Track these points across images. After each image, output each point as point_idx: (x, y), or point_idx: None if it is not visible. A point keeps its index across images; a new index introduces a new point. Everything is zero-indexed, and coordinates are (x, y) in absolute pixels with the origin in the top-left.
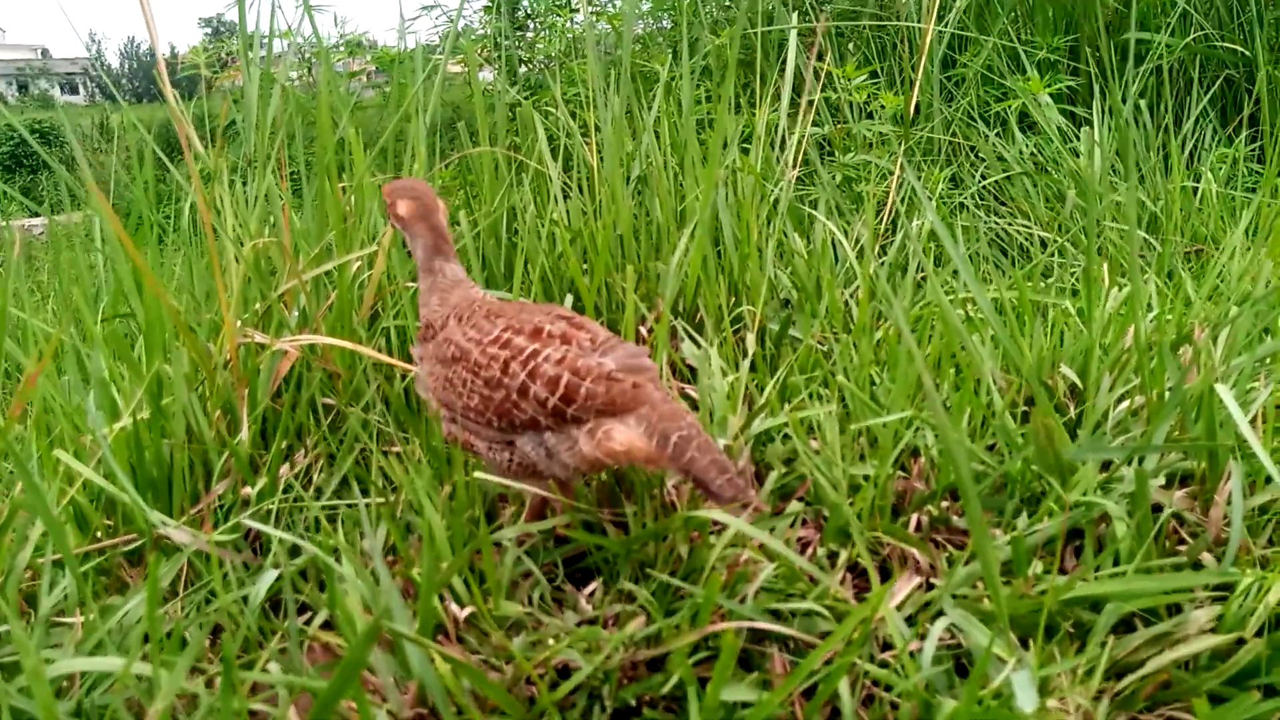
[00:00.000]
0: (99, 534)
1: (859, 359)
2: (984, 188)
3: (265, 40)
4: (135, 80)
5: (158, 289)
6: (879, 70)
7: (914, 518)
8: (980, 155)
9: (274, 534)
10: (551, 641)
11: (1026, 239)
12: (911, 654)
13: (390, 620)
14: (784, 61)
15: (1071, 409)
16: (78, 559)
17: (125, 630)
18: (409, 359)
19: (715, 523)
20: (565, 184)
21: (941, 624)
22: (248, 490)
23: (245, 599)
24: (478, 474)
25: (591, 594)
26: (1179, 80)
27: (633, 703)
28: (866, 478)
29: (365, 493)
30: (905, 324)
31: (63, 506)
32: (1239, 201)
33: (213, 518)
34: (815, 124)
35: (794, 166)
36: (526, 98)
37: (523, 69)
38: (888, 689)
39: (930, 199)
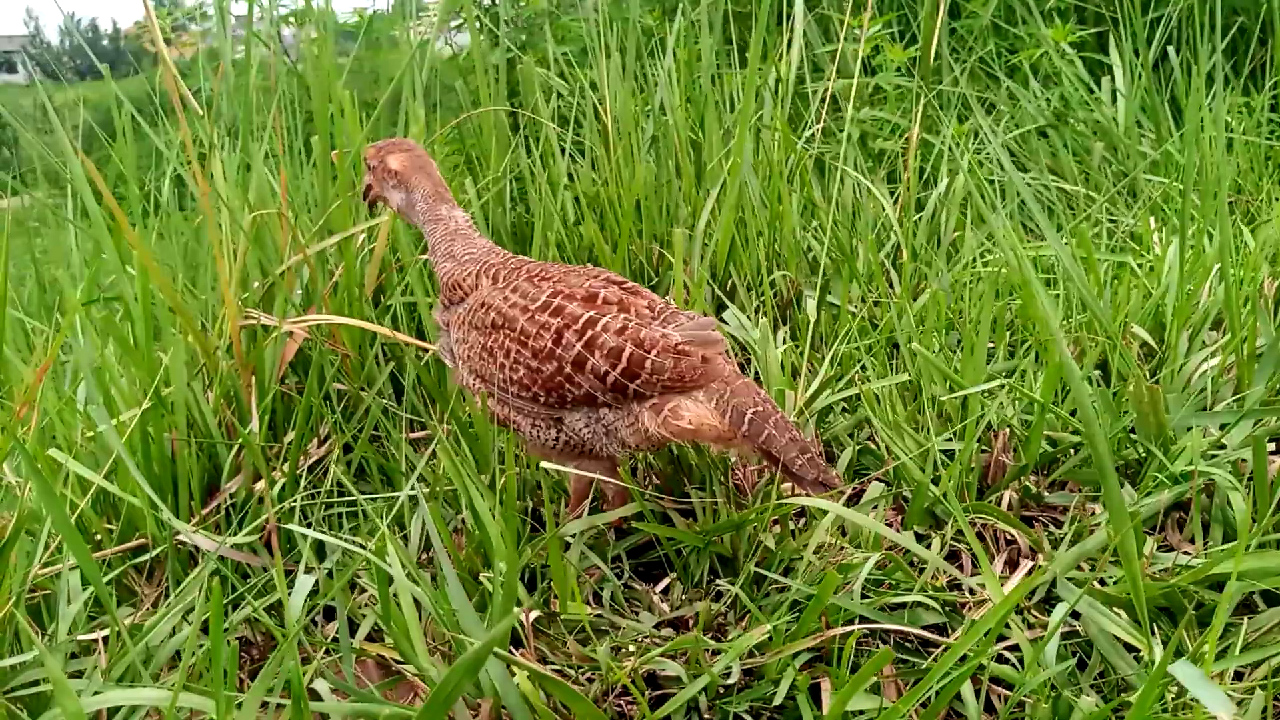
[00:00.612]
0: (99, 539)
1: (926, 325)
2: (1003, 143)
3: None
4: (77, 58)
5: (153, 267)
6: (892, 22)
7: (1005, 495)
8: (1000, 109)
9: (307, 534)
10: (632, 647)
11: (1056, 195)
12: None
13: (460, 633)
14: (788, 14)
15: (1145, 371)
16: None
17: (150, 651)
18: (423, 339)
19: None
20: (574, 146)
21: (1062, 611)
22: (260, 485)
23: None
24: (546, 465)
25: (665, 591)
26: (1188, 30)
27: (738, 713)
28: (948, 454)
29: (387, 482)
30: (989, 292)
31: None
32: (1266, 150)
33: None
34: (822, 77)
35: (819, 122)
36: (513, 57)
37: (505, 28)
38: (1008, 687)
39: (964, 155)
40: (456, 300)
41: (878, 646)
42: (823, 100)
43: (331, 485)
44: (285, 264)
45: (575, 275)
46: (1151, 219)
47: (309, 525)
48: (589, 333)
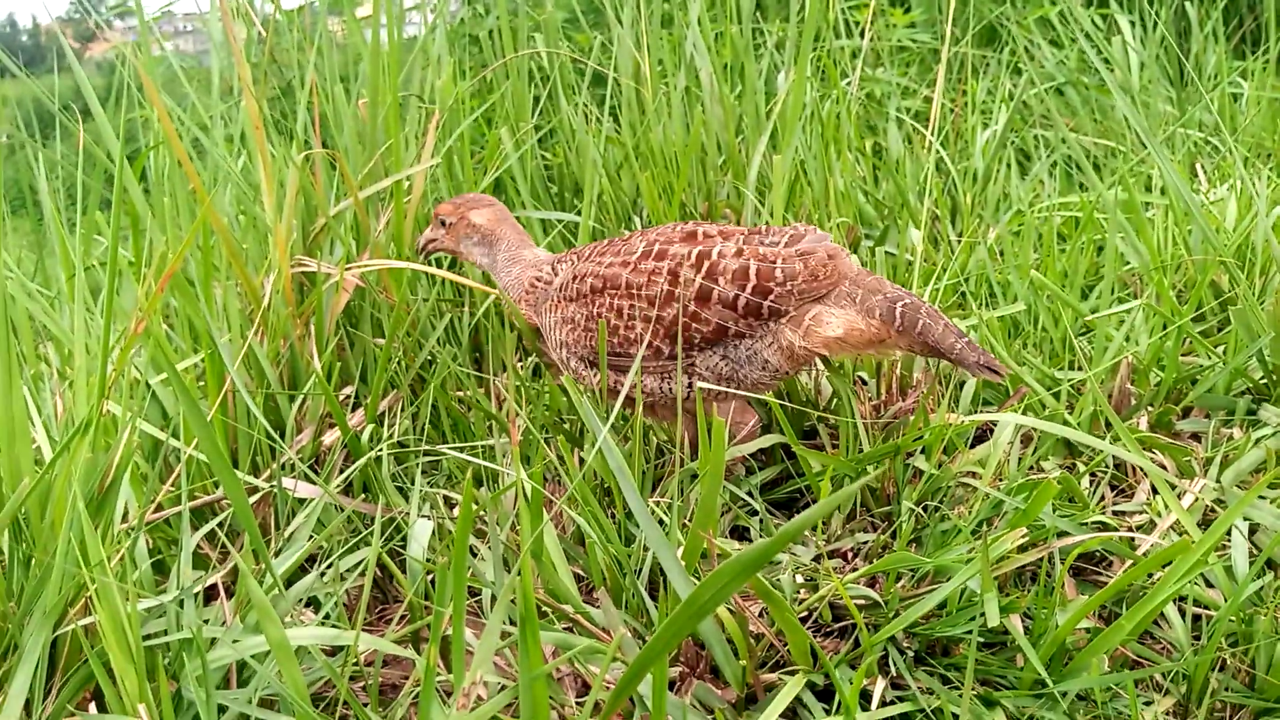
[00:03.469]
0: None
1: (1016, 263)
2: (1024, 100)
3: None
4: None
5: (213, 214)
6: None
7: (1138, 423)
8: (1019, 67)
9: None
10: (800, 579)
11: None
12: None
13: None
14: None
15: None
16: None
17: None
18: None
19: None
20: (596, 99)
21: (1240, 530)
22: (329, 438)
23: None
24: (702, 385)
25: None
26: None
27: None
28: (1074, 383)
29: (455, 430)
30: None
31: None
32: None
33: (284, 470)
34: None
35: (856, 71)
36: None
37: None
38: (1199, 605)
39: (1005, 109)
40: (542, 292)
41: (1051, 573)
42: (854, 55)
43: (402, 435)
44: (338, 207)
45: (658, 229)
46: (1199, 166)
47: (390, 476)
48: (706, 263)
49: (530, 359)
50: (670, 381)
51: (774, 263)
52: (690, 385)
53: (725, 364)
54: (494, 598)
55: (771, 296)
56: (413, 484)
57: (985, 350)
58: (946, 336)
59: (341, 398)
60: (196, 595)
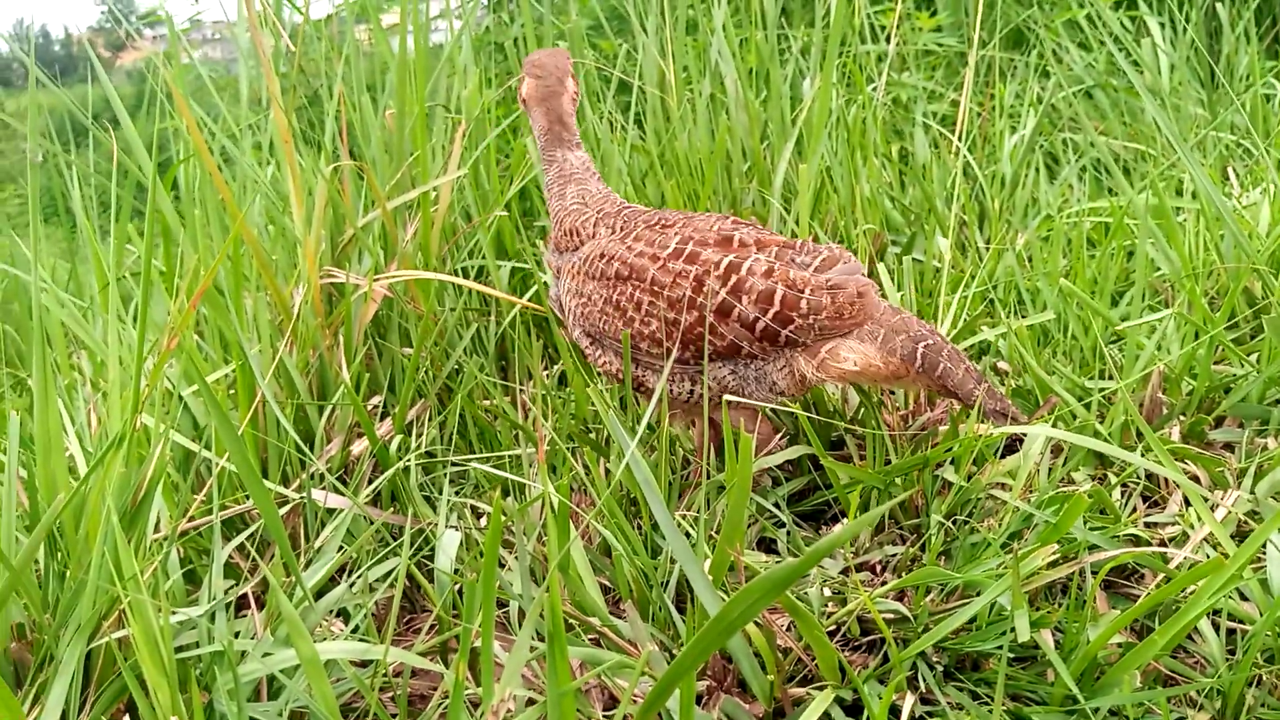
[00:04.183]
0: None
1: (1046, 270)
2: (1053, 103)
3: None
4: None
5: (245, 227)
6: None
7: (1170, 433)
8: (1047, 70)
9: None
10: (827, 591)
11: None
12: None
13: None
14: None
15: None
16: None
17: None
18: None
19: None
20: (622, 106)
21: (1276, 543)
22: (358, 448)
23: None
24: (729, 398)
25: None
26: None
27: (977, 652)
28: (1104, 393)
29: (482, 439)
30: (1109, 240)
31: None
32: None
33: (313, 481)
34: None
35: (882, 76)
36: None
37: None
38: (1233, 619)
39: (1034, 113)
40: (569, 248)
41: (1083, 587)
42: (880, 60)
43: (430, 445)
44: (365, 218)
45: (700, 219)
46: (1230, 170)
47: (418, 485)
48: (734, 277)
49: (557, 366)
50: (674, 383)
51: (802, 291)
52: (693, 392)
53: (733, 379)
54: (521, 610)
55: (791, 327)
56: (440, 494)
57: (1003, 396)
58: (966, 382)
59: (370, 407)
60: (228, 606)
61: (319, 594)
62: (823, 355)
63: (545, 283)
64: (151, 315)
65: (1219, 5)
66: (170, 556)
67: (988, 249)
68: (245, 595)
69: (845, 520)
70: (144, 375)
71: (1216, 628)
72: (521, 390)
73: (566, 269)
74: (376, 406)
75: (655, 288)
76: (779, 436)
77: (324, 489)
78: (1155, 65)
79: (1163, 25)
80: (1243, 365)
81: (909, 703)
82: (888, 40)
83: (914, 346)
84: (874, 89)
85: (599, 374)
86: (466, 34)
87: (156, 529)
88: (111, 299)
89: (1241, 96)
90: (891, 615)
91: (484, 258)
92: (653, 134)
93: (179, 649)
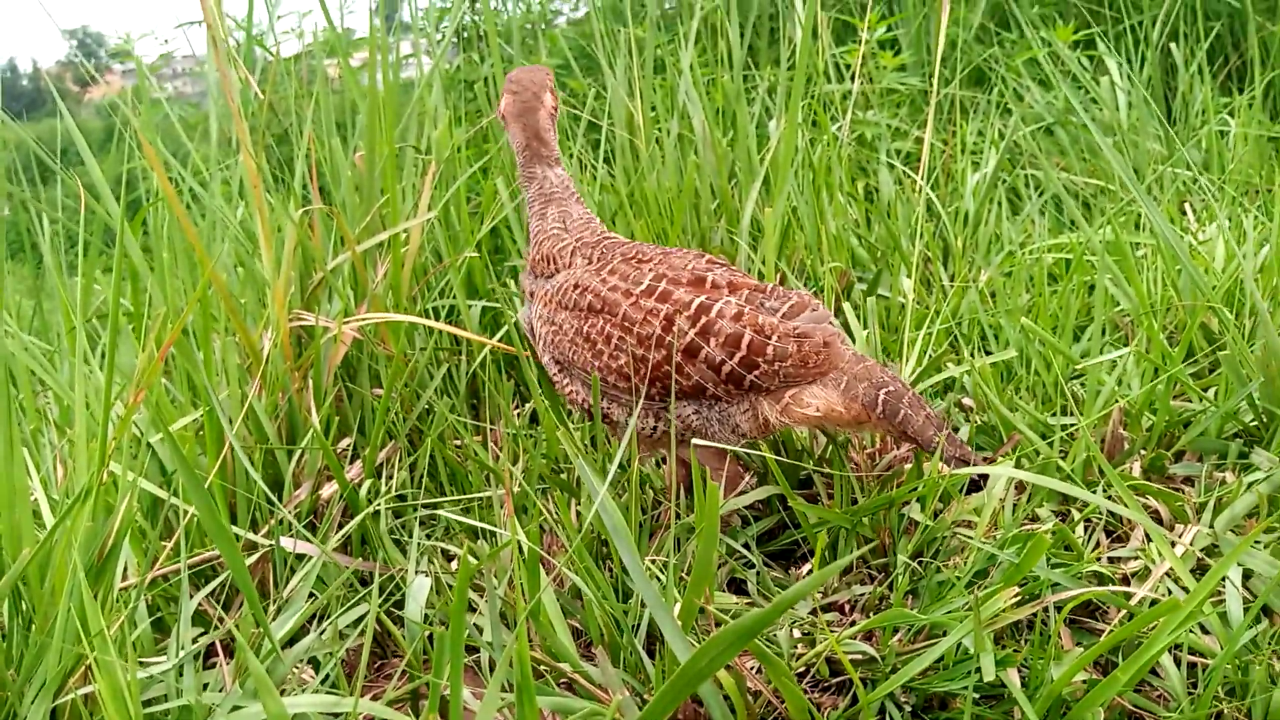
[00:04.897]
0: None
1: (1007, 307)
2: (1014, 140)
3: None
4: None
5: (214, 274)
6: (894, 26)
7: (1131, 468)
8: (1007, 108)
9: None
10: (797, 633)
11: (1068, 189)
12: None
13: (617, 629)
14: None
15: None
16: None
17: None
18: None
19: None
20: (591, 146)
21: (1234, 576)
22: (327, 492)
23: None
24: (697, 442)
25: (805, 576)
26: (1164, 34)
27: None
28: (1066, 429)
29: (453, 482)
30: (1069, 277)
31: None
32: (1265, 145)
33: (279, 529)
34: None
35: (846, 115)
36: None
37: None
38: (1194, 654)
39: (995, 152)
40: (544, 274)
41: (1047, 623)
42: (845, 98)
43: (400, 488)
44: (335, 261)
45: (675, 256)
46: (1187, 207)
47: (389, 530)
48: (703, 319)
49: (528, 405)
50: (639, 419)
51: (769, 338)
52: (655, 428)
53: (697, 418)
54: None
55: (756, 372)
56: (410, 537)
57: (962, 443)
58: (926, 429)
59: (340, 449)
60: (197, 656)
61: (290, 641)
62: (786, 400)
63: (516, 322)
64: (120, 360)
65: (1173, 45)
66: (139, 606)
67: (952, 285)
68: (216, 642)
69: (813, 560)
70: (111, 424)
71: (1178, 662)
72: (492, 429)
73: (540, 294)
74: (346, 449)
75: (626, 323)
76: (749, 475)
77: (292, 537)
78: (1114, 103)
79: (1120, 65)
80: (1201, 400)
81: None
82: (852, 79)
83: (875, 393)
84: (839, 128)
85: (563, 401)
86: (437, 75)
87: (125, 577)
88: (78, 342)
89: (1197, 133)
90: (859, 656)
91: (455, 297)
92: (622, 173)
93: (146, 703)
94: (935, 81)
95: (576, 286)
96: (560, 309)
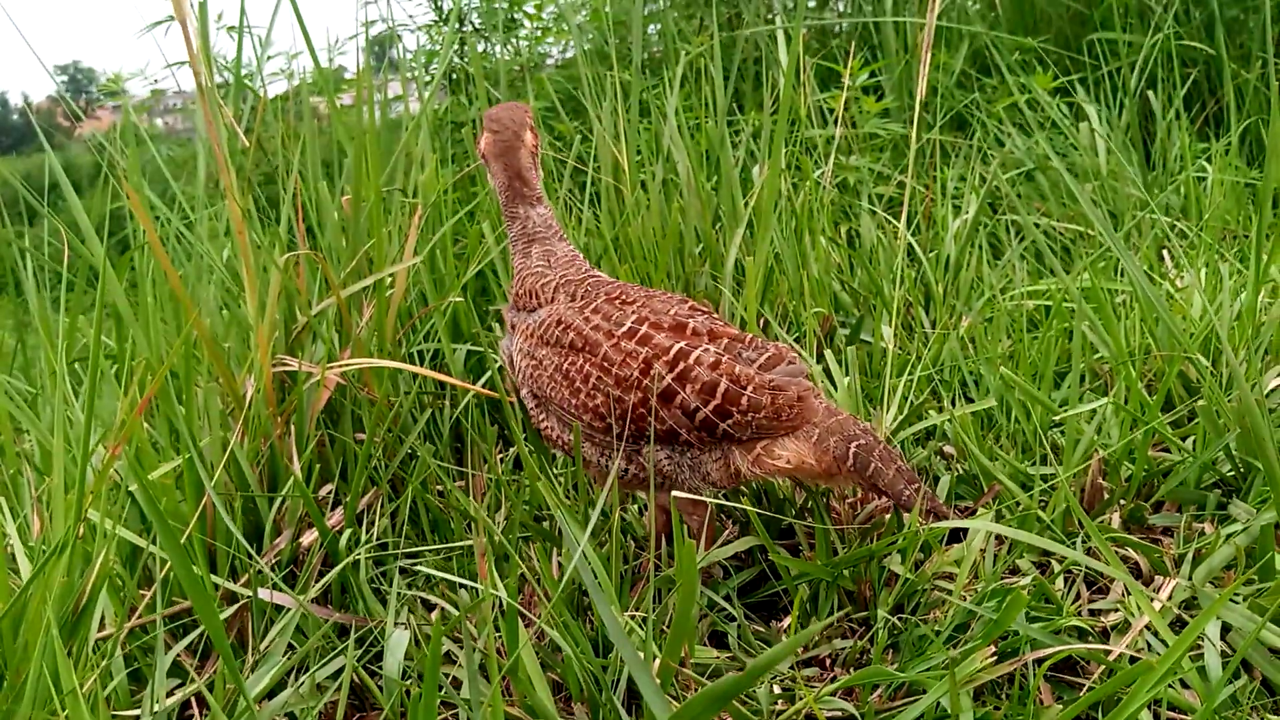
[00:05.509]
0: (133, 608)
1: (986, 355)
2: (995, 186)
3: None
4: None
5: (195, 317)
6: (877, 72)
7: (1111, 518)
8: (988, 154)
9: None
10: (776, 689)
11: (1051, 235)
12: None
13: (596, 685)
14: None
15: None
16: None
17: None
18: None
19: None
20: (577, 188)
21: (1213, 630)
22: (308, 539)
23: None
24: (676, 494)
25: (785, 629)
26: (1142, 81)
27: None
28: (1046, 479)
29: (434, 530)
30: (1048, 325)
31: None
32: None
33: (258, 579)
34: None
35: (829, 160)
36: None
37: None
38: (1173, 709)
39: (976, 198)
40: (526, 308)
41: (1025, 678)
42: (829, 141)
43: (381, 535)
44: (320, 306)
45: (659, 300)
46: (1165, 253)
47: (369, 579)
48: (681, 365)
49: (511, 450)
50: (608, 459)
51: (744, 388)
52: (626, 470)
53: (669, 463)
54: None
55: (729, 421)
56: (391, 585)
57: (934, 496)
58: (896, 482)
59: (320, 496)
60: (171, 714)
61: (269, 694)
62: (758, 451)
63: (500, 366)
64: (102, 405)
65: (1150, 93)
66: (116, 656)
67: (934, 331)
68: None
69: (793, 614)
70: (90, 469)
71: (1158, 717)
72: (475, 475)
73: (521, 327)
74: (328, 496)
75: (605, 364)
76: (730, 526)
77: (268, 588)
78: (1093, 148)
79: (1099, 111)
80: (1179, 451)
81: None
82: (835, 124)
83: (846, 446)
84: (822, 173)
85: (539, 434)
86: (425, 118)
87: (102, 627)
88: (59, 388)
89: (1175, 179)
90: (839, 714)
91: (439, 341)
92: (607, 217)
93: None
94: (916, 127)
95: (559, 323)
96: (542, 344)
